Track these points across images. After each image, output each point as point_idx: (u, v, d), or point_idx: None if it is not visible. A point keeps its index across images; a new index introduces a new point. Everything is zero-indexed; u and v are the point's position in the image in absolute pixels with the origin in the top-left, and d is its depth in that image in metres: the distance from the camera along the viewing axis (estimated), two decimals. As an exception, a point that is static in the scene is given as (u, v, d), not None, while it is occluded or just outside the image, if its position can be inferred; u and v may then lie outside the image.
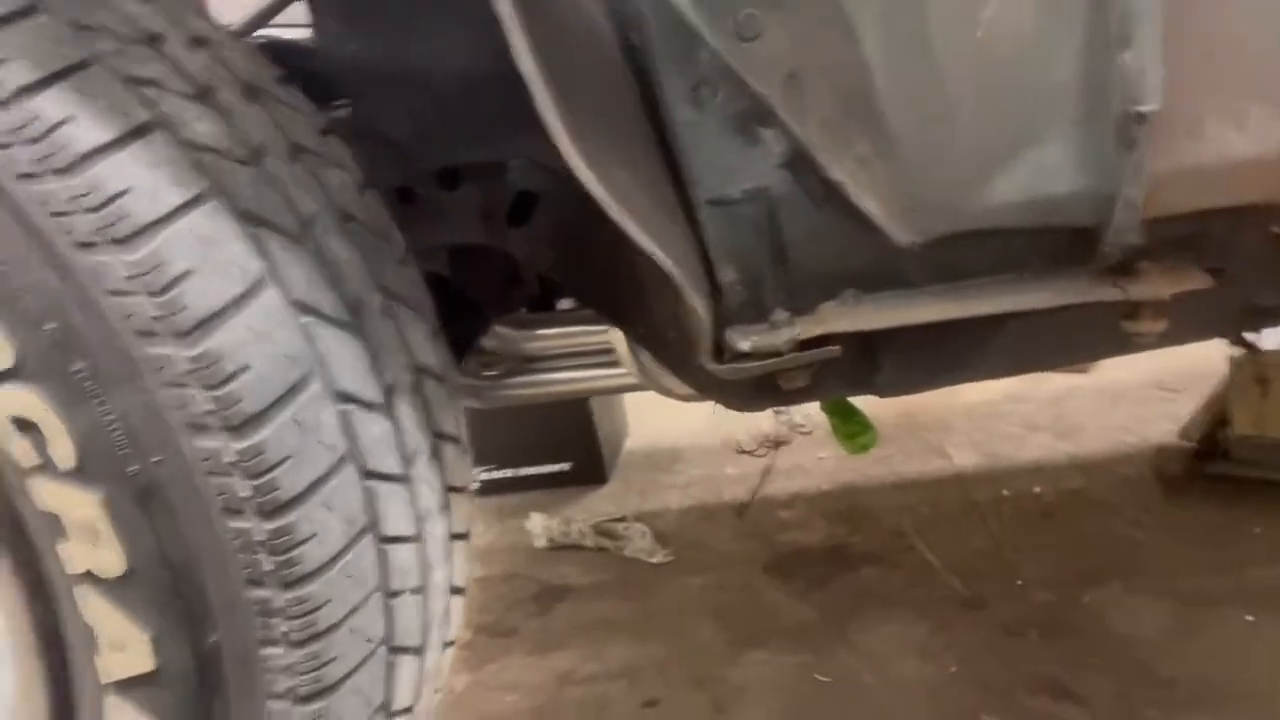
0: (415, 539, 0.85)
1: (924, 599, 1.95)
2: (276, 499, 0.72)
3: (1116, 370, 2.73)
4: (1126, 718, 1.52)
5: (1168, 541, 1.97)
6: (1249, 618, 1.71)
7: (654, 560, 2.27)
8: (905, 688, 1.69)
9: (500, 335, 1.64)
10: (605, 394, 2.30)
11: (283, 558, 0.73)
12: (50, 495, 0.70)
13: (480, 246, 1.44)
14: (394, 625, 0.84)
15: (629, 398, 2.88)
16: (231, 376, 0.70)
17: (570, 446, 2.64)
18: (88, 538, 0.69)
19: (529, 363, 1.70)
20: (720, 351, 0.91)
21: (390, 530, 0.82)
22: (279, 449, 0.71)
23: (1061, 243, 0.88)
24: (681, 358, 1.25)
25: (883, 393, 1.02)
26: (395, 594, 0.83)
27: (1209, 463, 2.09)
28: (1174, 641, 1.68)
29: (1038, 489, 2.27)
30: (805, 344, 0.91)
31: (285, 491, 0.72)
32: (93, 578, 0.70)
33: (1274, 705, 1.48)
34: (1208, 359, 2.67)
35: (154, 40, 0.76)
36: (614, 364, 1.68)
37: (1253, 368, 2.00)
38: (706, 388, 1.23)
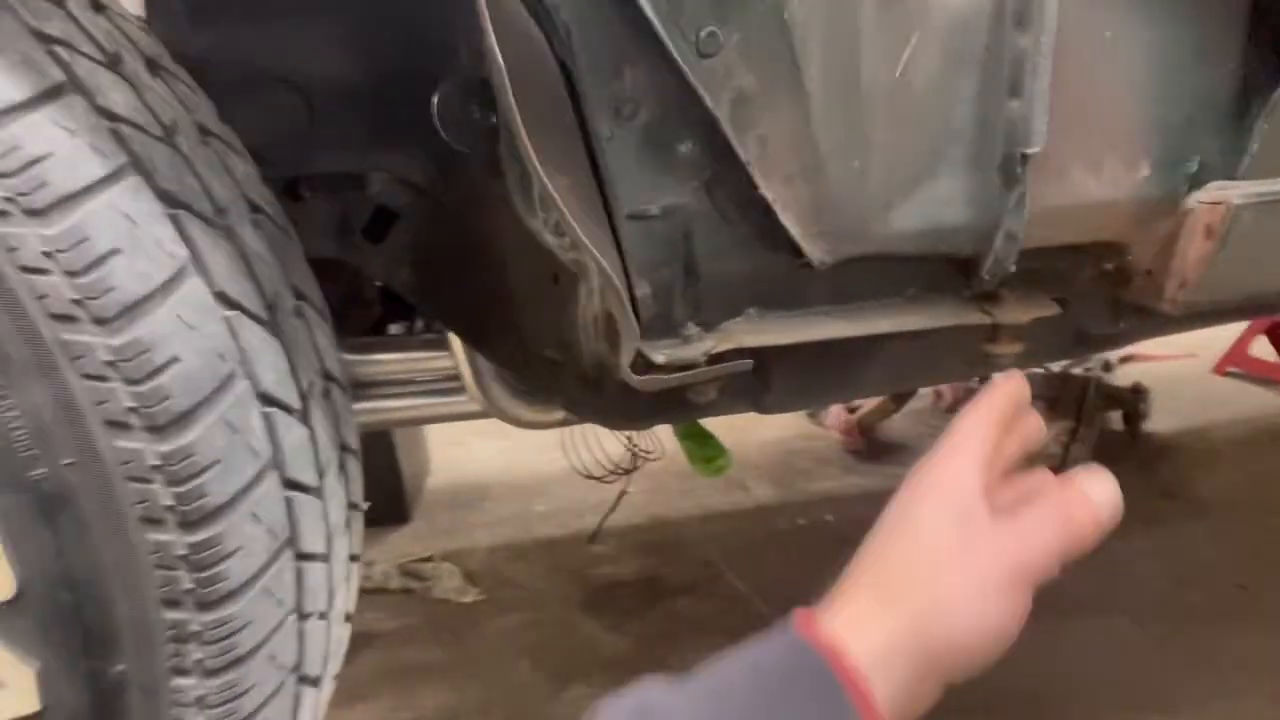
0: (325, 558, 0.79)
1: (735, 625, 2.01)
2: (202, 508, 0.64)
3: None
4: None
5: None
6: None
7: (465, 600, 2.19)
8: (724, 711, 1.74)
9: (335, 359, 1.54)
10: (439, 422, 2.20)
11: (204, 574, 0.65)
12: (-75, 505, 0.59)
13: (322, 263, 1.37)
14: (304, 652, 0.77)
15: (432, 435, 2.80)
16: (160, 369, 0.62)
17: (370, 484, 2.50)
18: (-29, 555, 0.59)
19: (361, 389, 1.61)
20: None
21: (306, 546, 0.75)
22: (208, 452, 0.64)
23: (939, 270, 0.97)
24: (556, 378, 1.25)
25: (770, 409, 1.07)
26: (306, 617, 0.77)
27: None
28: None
29: (829, 517, 2.44)
30: (713, 359, 0.94)
31: (212, 500, 0.65)
32: (-27, 603, 0.60)
33: (1030, 699, 1.67)
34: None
35: (56, -4, 0.68)
36: (449, 392, 1.63)
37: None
38: (583, 407, 1.23)
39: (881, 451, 2.75)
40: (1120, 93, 0.87)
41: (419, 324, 1.70)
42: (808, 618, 0.56)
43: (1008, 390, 0.64)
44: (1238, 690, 1.63)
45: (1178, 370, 3.12)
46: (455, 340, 1.40)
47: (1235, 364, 3.12)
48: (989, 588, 0.55)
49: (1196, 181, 0.92)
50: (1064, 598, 1.94)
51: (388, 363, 1.60)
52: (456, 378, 1.52)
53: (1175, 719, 1.59)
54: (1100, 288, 1.01)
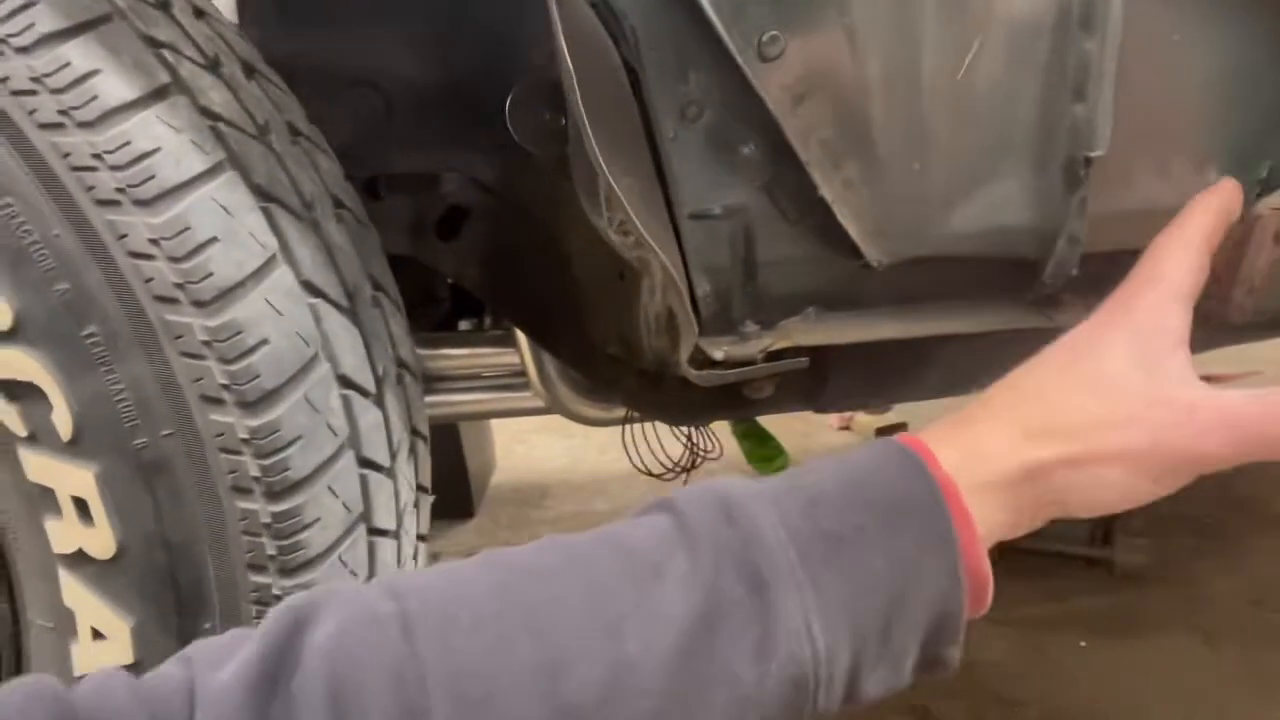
0: (396, 534, 0.84)
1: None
2: (286, 479, 0.69)
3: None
4: (983, 736, 1.64)
5: (1004, 574, 2.15)
6: (1081, 643, 1.89)
7: (526, 594, 2.23)
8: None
9: (406, 353, 1.60)
10: (503, 416, 2.27)
11: (286, 542, 0.70)
12: (41, 467, 0.64)
13: (397, 260, 1.42)
14: (374, 622, 0.81)
15: (497, 431, 2.86)
16: (251, 350, 0.67)
17: (437, 479, 2.57)
18: (80, 515, 0.64)
19: (430, 382, 1.67)
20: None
21: (379, 522, 0.80)
22: (291, 428, 0.69)
23: (999, 273, 0.98)
24: (617, 374, 1.28)
25: (825, 408, 1.08)
26: (377, 590, 0.81)
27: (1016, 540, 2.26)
28: (1018, 667, 1.83)
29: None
30: (770, 356, 0.96)
31: (295, 473, 0.70)
32: (83, 559, 0.65)
33: (1091, 716, 1.64)
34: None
35: (163, 3, 0.74)
36: (514, 387, 1.68)
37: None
38: (643, 403, 1.26)
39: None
40: (1188, 95, 0.87)
41: (487, 320, 1.75)
42: (917, 442, 0.49)
43: (1214, 205, 0.54)
44: (1313, 717, 1.59)
45: (1247, 385, 3.01)
46: (522, 337, 1.45)
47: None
48: (1153, 465, 0.48)
49: (1267, 186, 0.91)
50: (1136, 616, 1.92)
51: (456, 358, 1.66)
52: (522, 374, 1.56)
53: (1244, 746, 1.56)
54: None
